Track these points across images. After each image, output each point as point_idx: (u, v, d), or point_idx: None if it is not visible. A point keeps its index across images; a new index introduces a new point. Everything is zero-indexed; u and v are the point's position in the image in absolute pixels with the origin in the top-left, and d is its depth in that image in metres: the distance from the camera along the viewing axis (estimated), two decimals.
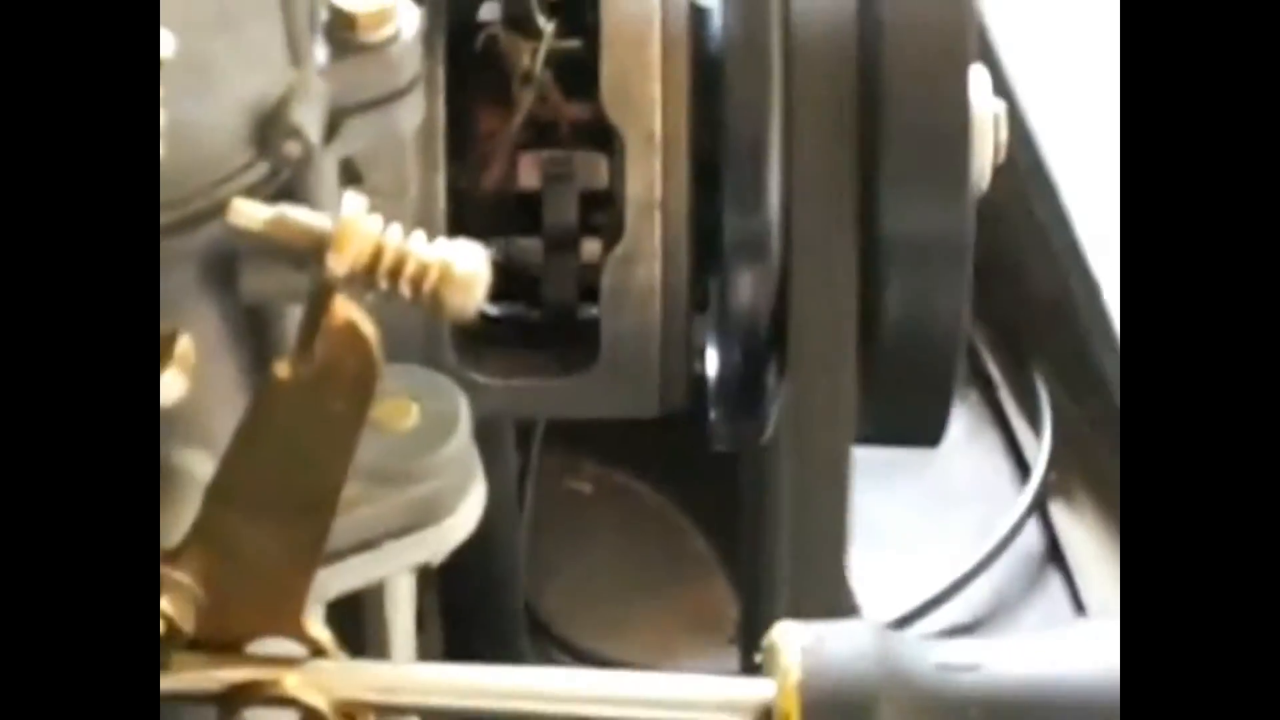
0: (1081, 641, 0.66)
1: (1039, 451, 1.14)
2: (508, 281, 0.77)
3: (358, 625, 0.73)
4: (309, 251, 0.58)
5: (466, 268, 0.58)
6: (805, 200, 0.77)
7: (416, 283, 0.58)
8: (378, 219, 0.58)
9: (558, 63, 0.78)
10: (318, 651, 0.64)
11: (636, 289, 0.78)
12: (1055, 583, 1.11)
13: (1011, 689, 0.65)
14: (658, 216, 0.78)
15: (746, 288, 0.78)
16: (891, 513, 1.09)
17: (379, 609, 0.75)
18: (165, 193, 0.56)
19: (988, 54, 1.10)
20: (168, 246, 0.58)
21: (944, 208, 0.77)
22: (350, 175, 0.66)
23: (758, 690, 0.64)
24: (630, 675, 0.69)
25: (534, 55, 0.78)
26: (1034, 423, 1.16)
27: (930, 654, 0.66)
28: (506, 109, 0.78)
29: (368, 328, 0.59)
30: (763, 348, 0.80)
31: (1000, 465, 1.16)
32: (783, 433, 0.81)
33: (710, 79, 0.78)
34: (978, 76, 0.78)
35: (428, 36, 0.68)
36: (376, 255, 0.57)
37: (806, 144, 0.77)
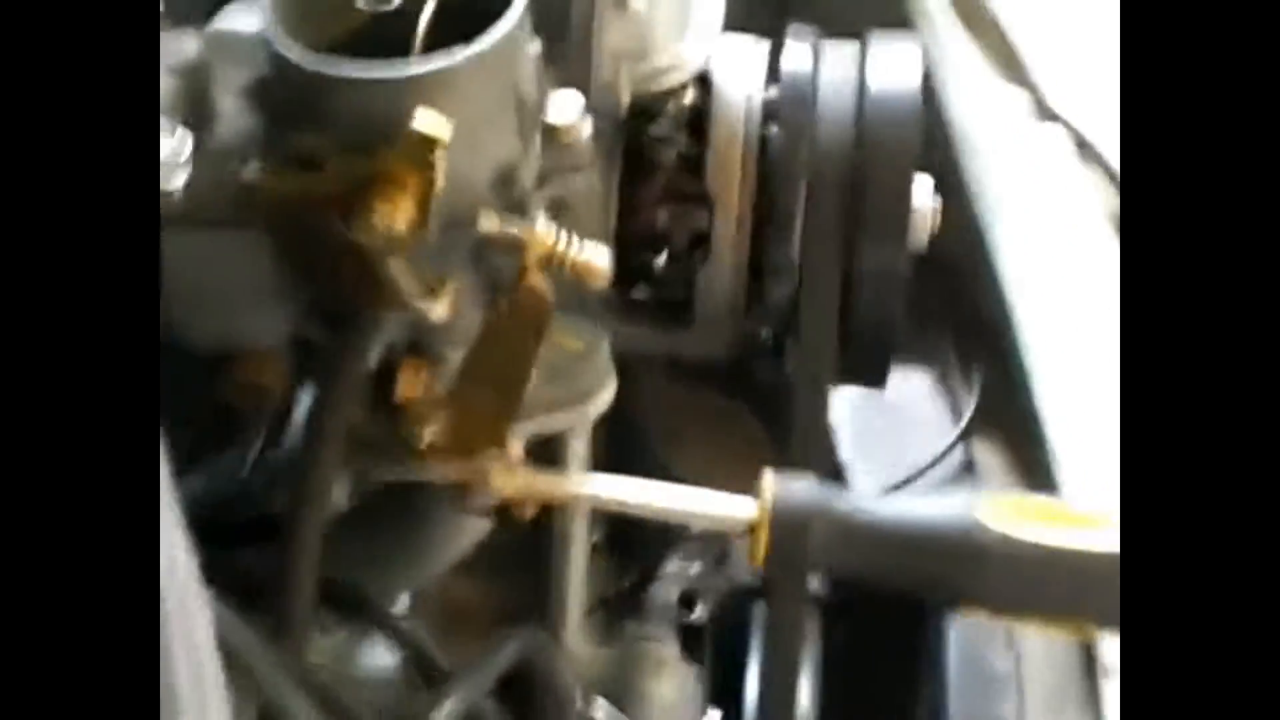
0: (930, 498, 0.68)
1: (968, 407, 1.14)
2: (644, 278, 0.80)
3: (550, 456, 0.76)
4: (518, 246, 0.63)
5: (597, 262, 0.63)
6: (814, 246, 0.79)
7: (572, 266, 0.63)
8: (554, 230, 0.62)
9: (685, 159, 0.79)
10: (514, 462, 0.69)
11: (718, 287, 0.80)
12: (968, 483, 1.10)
13: (888, 519, 0.68)
14: (732, 250, 0.79)
15: (778, 291, 0.80)
16: (886, 435, 1.09)
17: (564, 446, 0.77)
18: (444, 211, 0.61)
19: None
20: (445, 240, 0.62)
21: (890, 256, 0.78)
22: (558, 209, 0.68)
23: (750, 509, 0.68)
24: (687, 489, 0.71)
25: (671, 157, 0.79)
26: (969, 389, 1.16)
27: (847, 499, 0.69)
28: (652, 184, 0.79)
29: (545, 289, 0.63)
30: (786, 326, 0.81)
31: (944, 412, 1.16)
32: (796, 374, 0.82)
33: (767, 175, 0.79)
34: (922, 182, 0.80)
35: (610, 150, 0.70)
36: (550, 251, 0.62)
37: (818, 215, 0.79)
